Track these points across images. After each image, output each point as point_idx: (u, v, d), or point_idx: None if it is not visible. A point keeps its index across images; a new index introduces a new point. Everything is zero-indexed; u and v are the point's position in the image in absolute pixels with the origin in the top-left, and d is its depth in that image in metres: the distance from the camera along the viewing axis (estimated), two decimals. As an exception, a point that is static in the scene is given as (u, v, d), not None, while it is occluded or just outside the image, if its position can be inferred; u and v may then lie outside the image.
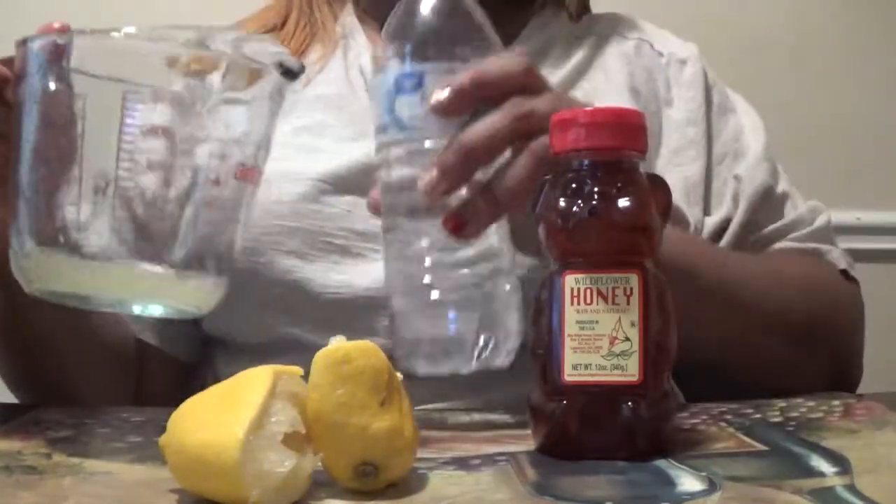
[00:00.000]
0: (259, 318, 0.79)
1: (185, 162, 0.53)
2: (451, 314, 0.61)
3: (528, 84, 0.62)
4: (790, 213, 0.86)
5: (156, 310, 0.56)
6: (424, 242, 0.62)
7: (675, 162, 0.85)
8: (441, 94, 0.59)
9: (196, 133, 0.53)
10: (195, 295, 0.56)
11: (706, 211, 0.85)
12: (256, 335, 0.80)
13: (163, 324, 0.85)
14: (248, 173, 0.55)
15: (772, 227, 0.85)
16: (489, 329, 0.63)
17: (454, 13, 0.64)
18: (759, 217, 0.85)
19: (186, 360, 0.88)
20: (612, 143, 0.56)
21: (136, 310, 0.56)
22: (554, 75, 0.87)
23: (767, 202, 0.85)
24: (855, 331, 0.84)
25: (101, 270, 0.53)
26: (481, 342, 0.62)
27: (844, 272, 0.85)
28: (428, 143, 0.61)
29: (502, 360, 0.63)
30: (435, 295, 0.61)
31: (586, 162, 0.56)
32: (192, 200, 0.53)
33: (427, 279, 0.62)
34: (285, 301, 0.78)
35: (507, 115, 0.60)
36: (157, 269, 0.54)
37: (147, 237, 0.53)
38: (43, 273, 0.54)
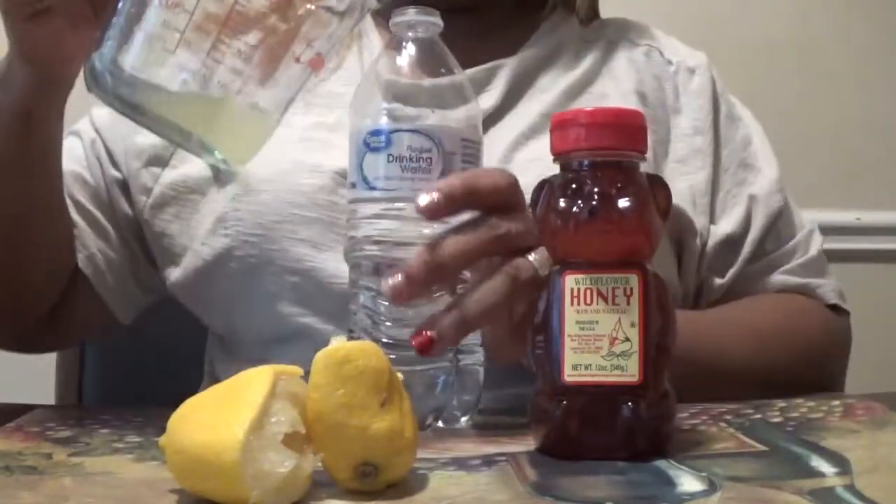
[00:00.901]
0: (269, 307, 0.80)
1: (283, 33, 0.59)
2: (407, 373, 0.61)
3: (512, 201, 0.62)
4: (789, 241, 0.88)
5: (205, 150, 0.60)
6: (386, 301, 0.62)
7: (681, 171, 0.86)
8: (429, 197, 0.60)
9: (300, 14, 0.59)
10: (243, 145, 0.62)
11: (712, 219, 0.86)
12: (265, 326, 0.81)
13: (110, 270, 0.86)
14: (318, 63, 0.61)
15: (769, 257, 0.87)
16: (447, 389, 0.63)
17: (431, 70, 0.65)
18: (765, 246, 0.87)
19: (118, 314, 0.88)
20: (612, 144, 0.56)
21: (189, 145, 0.60)
22: (564, 79, 0.87)
23: (775, 232, 0.88)
24: (840, 366, 0.87)
25: (175, 98, 0.58)
26: (436, 403, 0.63)
27: (835, 305, 0.87)
28: (397, 205, 0.62)
29: (463, 419, 0.64)
30: (392, 355, 0.61)
31: (586, 162, 0.56)
32: (274, 65, 0.59)
33: (387, 339, 0.62)
34: (296, 290, 0.79)
35: (483, 235, 0.60)
36: (224, 113, 0.59)
37: (225, 84, 0.58)
38: (123, 84, 0.59)
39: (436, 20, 0.65)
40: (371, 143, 0.62)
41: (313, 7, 0.59)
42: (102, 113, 0.89)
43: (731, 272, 0.86)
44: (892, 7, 1.65)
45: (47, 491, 0.49)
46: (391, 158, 0.61)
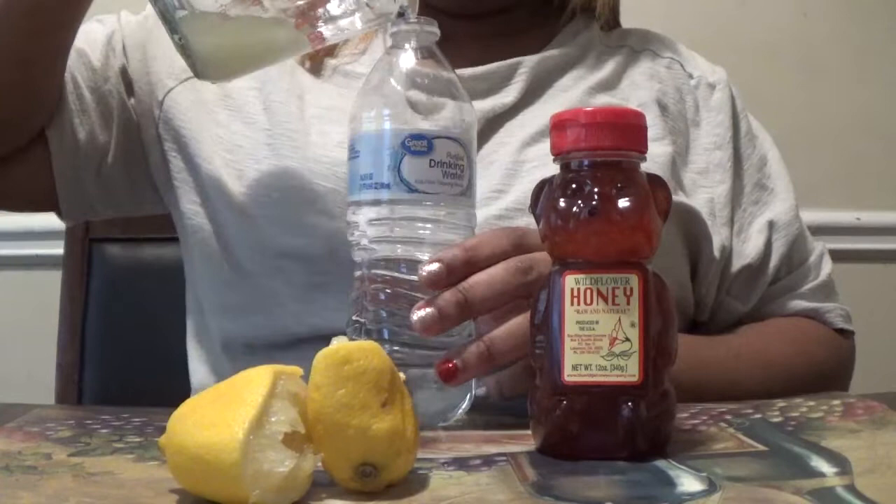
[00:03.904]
0: (274, 263, 0.80)
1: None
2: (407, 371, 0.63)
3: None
4: (802, 264, 0.90)
5: (184, 54, 0.69)
6: (392, 309, 0.64)
7: (700, 182, 0.87)
8: (432, 267, 0.62)
9: None
10: (217, 66, 0.71)
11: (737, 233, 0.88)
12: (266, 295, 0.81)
13: (75, 149, 0.86)
14: (317, 38, 0.69)
15: (783, 281, 0.89)
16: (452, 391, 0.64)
17: (440, 73, 0.66)
18: (781, 271, 0.89)
19: (61, 201, 0.88)
20: (612, 143, 0.56)
21: (175, 43, 0.68)
22: (585, 81, 0.88)
23: (790, 257, 0.89)
24: (844, 387, 0.89)
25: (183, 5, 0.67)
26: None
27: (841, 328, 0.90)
28: (434, 209, 0.64)
29: (463, 411, 0.66)
30: (393, 349, 0.63)
31: (586, 162, 0.56)
32: (280, 15, 0.67)
33: (394, 347, 0.63)
34: (305, 250, 0.79)
35: (513, 280, 0.62)
36: (210, 33, 0.68)
37: (221, 12, 0.67)
38: None
39: (433, 29, 0.66)
40: (412, 146, 0.63)
41: None
42: (131, 19, 0.91)
43: (752, 300, 0.88)
44: (891, 7, 1.65)
45: (47, 491, 0.49)
46: (433, 163, 0.63)
